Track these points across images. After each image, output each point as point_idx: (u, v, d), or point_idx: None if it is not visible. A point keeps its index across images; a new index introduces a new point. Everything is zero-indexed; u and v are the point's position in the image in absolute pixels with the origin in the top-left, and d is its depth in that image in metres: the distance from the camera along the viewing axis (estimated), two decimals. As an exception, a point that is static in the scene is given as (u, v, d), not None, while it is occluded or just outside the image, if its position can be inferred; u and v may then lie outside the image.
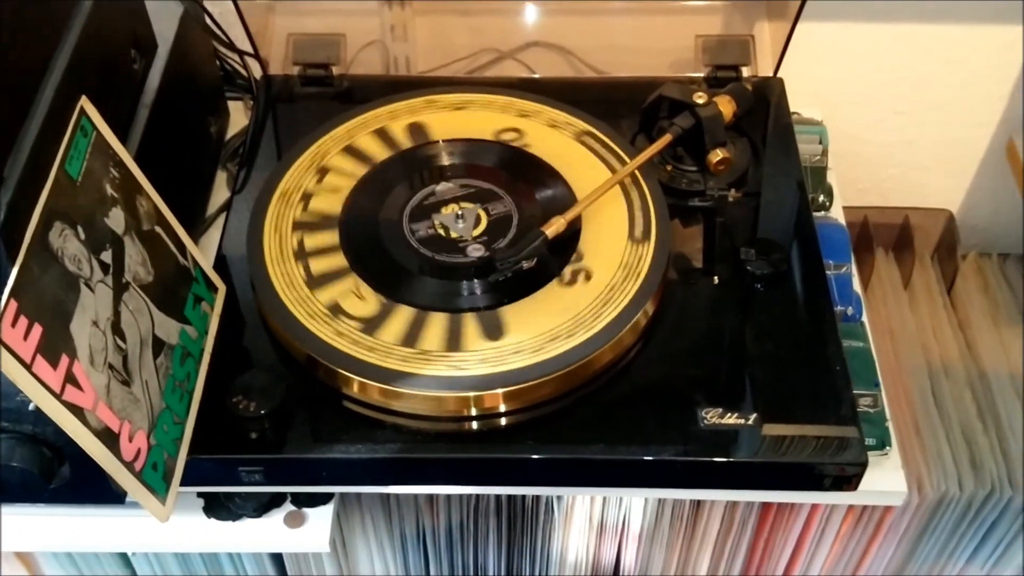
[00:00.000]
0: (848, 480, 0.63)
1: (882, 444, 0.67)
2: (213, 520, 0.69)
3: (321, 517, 0.69)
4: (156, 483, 0.58)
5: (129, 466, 0.55)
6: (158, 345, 0.60)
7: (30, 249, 0.49)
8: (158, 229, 0.62)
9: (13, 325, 0.47)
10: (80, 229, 0.54)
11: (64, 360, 0.51)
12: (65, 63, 0.59)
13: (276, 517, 0.69)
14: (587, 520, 0.81)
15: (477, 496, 0.78)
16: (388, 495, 0.76)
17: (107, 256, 0.56)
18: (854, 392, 0.65)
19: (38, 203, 0.51)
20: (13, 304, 0.48)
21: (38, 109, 0.56)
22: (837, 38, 0.95)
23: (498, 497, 0.79)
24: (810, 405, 0.64)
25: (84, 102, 0.55)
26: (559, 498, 0.78)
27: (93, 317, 0.54)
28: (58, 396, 0.50)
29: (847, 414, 0.63)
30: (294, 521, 0.69)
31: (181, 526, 0.68)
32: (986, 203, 1.07)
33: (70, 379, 0.51)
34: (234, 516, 0.69)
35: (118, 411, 0.55)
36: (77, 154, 0.54)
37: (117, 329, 0.56)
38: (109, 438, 0.54)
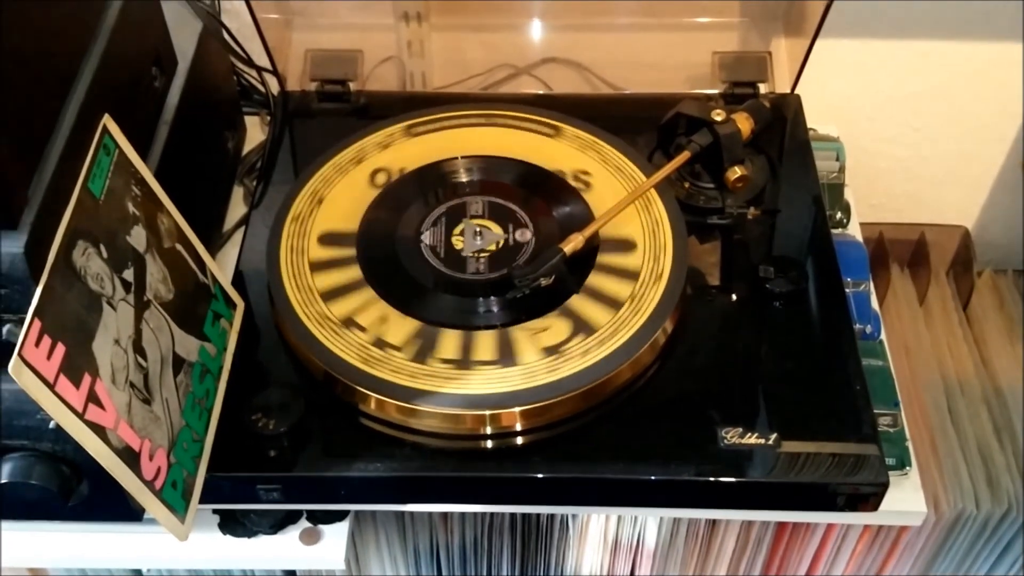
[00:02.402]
0: (867, 500, 0.63)
1: (902, 464, 0.67)
2: (229, 536, 0.68)
3: (337, 534, 0.69)
4: (176, 501, 0.58)
5: (149, 485, 0.55)
6: (178, 363, 0.60)
7: (54, 268, 0.49)
8: (178, 246, 0.62)
9: (37, 344, 0.47)
10: (103, 247, 0.54)
11: (86, 379, 0.51)
12: (88, 81, 0.59)
13: (292, 534, 0.69)
14: (601, 537, 0.81)
15: (492, 513, 0.78)
16: (403, 511, 0.76)
17: (129, 274, 0.56)
18: (874, 411, 0.64)
19: (62, 222, 0.51)
20: (37, 323, 0.48)
21: (62, 128, 0.56)
22: (852, 54, 0.94)
23: (512, 514, 0.79)
24: (830, 424, 0.63)
25: (107, 120, 0.55)
26: (574, 516, 0.78)
27: (115, 335, 0.54)
28: (80, 415, 0.50)
29: (868, 433, 0.63)
30: (310, 538, 0.69)
31: (197, 543, 0.68)
32: (1002, 219, 1.06)
33: (92, 398, 0.51)
34: (250, 533, 0.69)
35: (139, 429, 0.55)
36: (100, 172, 0.54)
37: (138, 347, 0.56)
38: (130, 457, 0.54)
